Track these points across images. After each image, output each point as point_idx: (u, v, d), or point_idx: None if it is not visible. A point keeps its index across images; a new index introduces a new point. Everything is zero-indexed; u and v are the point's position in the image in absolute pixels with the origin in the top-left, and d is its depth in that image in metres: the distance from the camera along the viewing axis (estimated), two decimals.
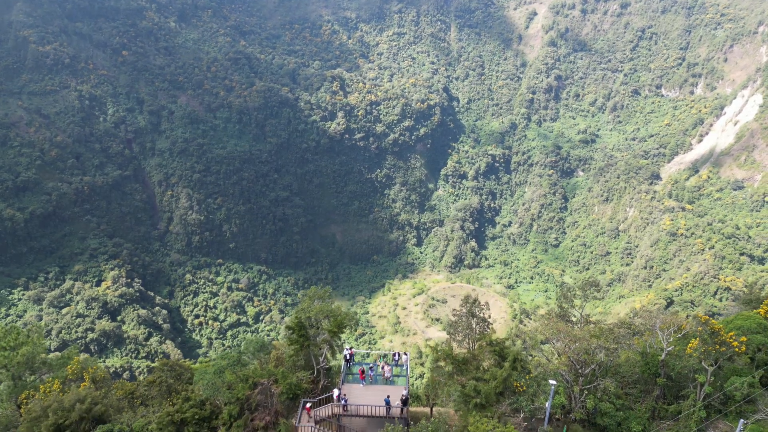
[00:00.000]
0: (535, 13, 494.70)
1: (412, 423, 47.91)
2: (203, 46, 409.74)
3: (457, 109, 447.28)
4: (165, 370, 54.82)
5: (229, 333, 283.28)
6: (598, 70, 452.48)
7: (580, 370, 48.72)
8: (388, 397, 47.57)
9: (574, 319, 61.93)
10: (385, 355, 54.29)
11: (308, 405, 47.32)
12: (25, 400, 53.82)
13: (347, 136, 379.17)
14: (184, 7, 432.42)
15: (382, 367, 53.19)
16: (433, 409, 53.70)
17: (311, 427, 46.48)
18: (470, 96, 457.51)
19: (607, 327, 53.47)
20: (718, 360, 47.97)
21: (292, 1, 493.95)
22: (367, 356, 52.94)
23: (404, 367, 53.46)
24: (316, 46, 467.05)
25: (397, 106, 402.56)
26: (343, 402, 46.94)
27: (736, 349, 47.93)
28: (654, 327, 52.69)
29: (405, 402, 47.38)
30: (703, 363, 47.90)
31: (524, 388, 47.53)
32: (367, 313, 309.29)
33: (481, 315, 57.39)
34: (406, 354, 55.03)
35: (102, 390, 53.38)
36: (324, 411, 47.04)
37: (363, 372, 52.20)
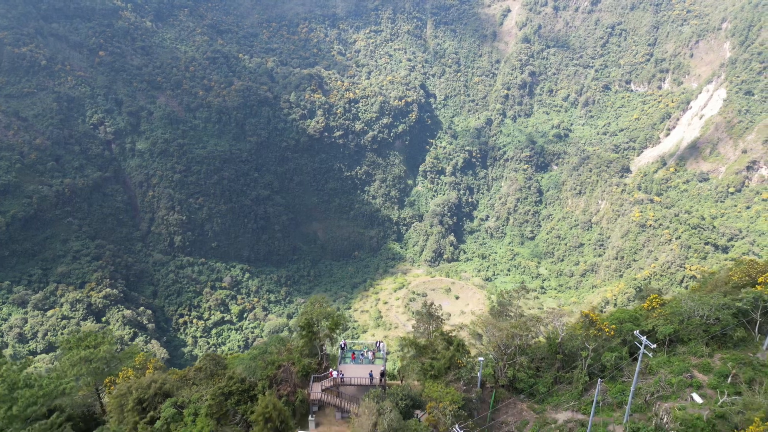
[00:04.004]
0: (509, 10, 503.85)
1: (387, 388, 65.51)
2: (180, 46, 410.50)
3: (434, 105, 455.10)
4: (208, 360, 73.05)
5: (214, 331, 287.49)
6: (570, 66, 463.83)
7: (503, 351, 66.96)
8: (371, 372, 65.84)
9: (512, 313, 79.00)
10: (368, 344, 74.12)
11: (330, 370, 67.11)
12: (108, 384, 72.57)
13: (326, 134, 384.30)
14: (160, 6, 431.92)
15: (368, 352, 72.10)
16: (402, 381, 72.78)
17: (319, 393, 65.06)
18: (447, 92, 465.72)
19: (522, 321, 70.05)
20: (597, 341, 66.13)
21: None
22: (355, 344, 73.02)
23: (382, 352, 72.35)
24: (294, 44, 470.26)
25: (375, 103, 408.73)
26: (341, 376, 65.56)
27: (608, 333, 67.31)
28: (554, 320, 71.10)
29: (382, 374, 66.18)
30: (586, 344, 66.17)
31: (464, 364, 66.68)
32: (350, 308, 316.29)
33: (436, 315, 75.59)
34: (382, 342, 74.99)
35: (163, 375, 71.78)
36: (327, 382, 66.02)
37: (354, 355, 71.09)
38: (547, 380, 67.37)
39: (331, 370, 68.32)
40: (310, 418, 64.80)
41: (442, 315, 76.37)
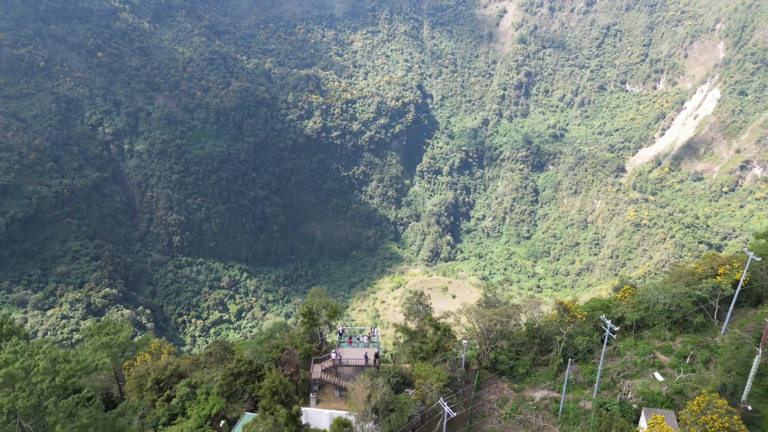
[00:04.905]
0: (505, 11, 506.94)
1: (381, 367, 72.46)
2: (178, 47, 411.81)
3: (431, 105, 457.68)
4: (217, 346, 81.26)
5: (212, 330, 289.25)
6: (566, 67, 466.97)
7: (486, 335, 74.44)
8: (366, 354, 71.96)
9: (498, 303, 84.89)
10: (363, 330, 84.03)
11: (330, 352, 74.16)
12: (127, 367, 79.96)
13: (324, 134, 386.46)
14: (158, 7, 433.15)
15: (363, 337, 79.63)
16: (394, 363, 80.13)
17: (320, 373, 71.37)
18: (444, 93, 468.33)
19: (503, 309, 76.03)
20: (571, 327, 73.02)
21: (266, 0, 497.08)
22: (353, 331, 79.93)
23: (376, 337, 79.60)
24: (291, 45, 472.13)
25: (372, 104, 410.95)
26: (339, 358, 71.83)
27: (580, 320, 74.32)
28: (532, 309, 78.26)
29: (376, 356, 72.45)
30: (560, 329, 72.86)
31: (450, 347, 73.99)
32: (348, 307, 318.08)
33: (425, 303, 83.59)
34: (377, 328, 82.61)
35: (177, 359, 79.75)
36: (327, 363, 72.56)
37: (351, 339, 78.04)
38: (525, 362, 74.33)
39: (331, 351, 74.58)
40: (311, 395, 71.04)
41: (430, 303, 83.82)
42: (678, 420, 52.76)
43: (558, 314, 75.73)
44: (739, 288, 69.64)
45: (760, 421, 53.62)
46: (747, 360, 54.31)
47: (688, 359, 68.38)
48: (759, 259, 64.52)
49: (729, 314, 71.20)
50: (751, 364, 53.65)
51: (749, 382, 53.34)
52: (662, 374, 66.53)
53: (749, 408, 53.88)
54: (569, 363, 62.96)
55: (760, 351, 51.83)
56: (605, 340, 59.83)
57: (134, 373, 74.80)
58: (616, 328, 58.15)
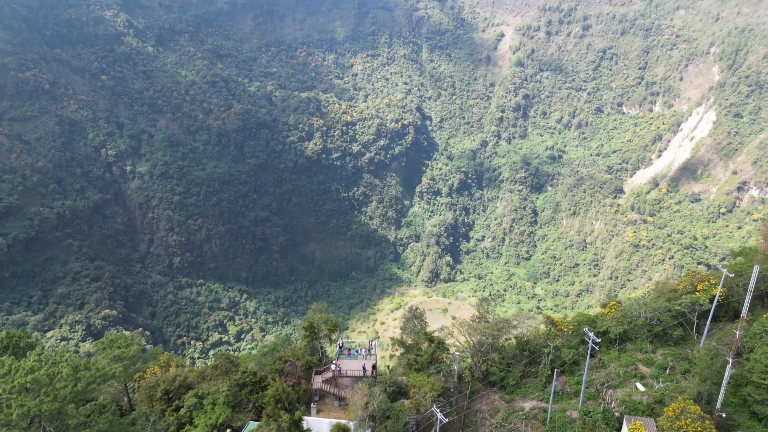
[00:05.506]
0: (503, 35, 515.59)
1: (378, 378, 75.90)
2: (181, 70, 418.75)
3: (430, 127, 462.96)
4: (223, 359, 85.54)
5: (212, 352, 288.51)
6: (563, 89, 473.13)
7: (478, 348, 78.61)
8: (364, 365, 76.31)
9: (490, 318, 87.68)
10: (362, 342, 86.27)
11: (332, 365, 77.91)
12: (137, 378, 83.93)
13: (324, 156, 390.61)
14: (162, 31, 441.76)
15: (362, 350, 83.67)
16: (390, 374, 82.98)
17: (320, 384, 75.14)
18: (443, 115, 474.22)
19: (493, 323, 79.17)
20: (559, 340, 77.24)
21: (267, 25, 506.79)
22: (352, 344, 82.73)
23: (374, 349, 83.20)
24: (292, 68, 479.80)
25: (372, 126, 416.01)
26: (338, 369, 75.93)
27: (566, 333, 78.31)
28: (522, 323, 79.54)
29: (374, 367, 76.51)
30: (548, 342, 76.83)
31: (444, 359, 78.56)
32: (347, 329, 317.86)
33: (421, 318, 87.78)
34: (374, 341, 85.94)
35: (185, 371, 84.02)
36: (327, 374, 76.34)
37: (350, 351, 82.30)
38: (515, 374, 77.56)
39: (331, 363, 78.53)
40: (312, 405, 74.27)
41: (425, 318, 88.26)
42: (657, 427, 54.94)
43: (546, 328, 79.11)
44: (715, 302, 72.29)
45: (735, 429, 55.61)
46: (720, 370, 56.85)
47: (667, 370, 71.37)
48: (732, 275, 67.00)
49: (707, 328, 73.75)
50: (724, 374, 55.51)
51: (722, 391, 55.50)
52: (644, 384, 69.91)
53: (724, 416, 55.93)
54: (555, 374, 66.17)
55: (731, 361, 53.59)
56: (588, 351, 63.06)
57: (144, 384, 78.84)
58: (599, 341, 61.04)
